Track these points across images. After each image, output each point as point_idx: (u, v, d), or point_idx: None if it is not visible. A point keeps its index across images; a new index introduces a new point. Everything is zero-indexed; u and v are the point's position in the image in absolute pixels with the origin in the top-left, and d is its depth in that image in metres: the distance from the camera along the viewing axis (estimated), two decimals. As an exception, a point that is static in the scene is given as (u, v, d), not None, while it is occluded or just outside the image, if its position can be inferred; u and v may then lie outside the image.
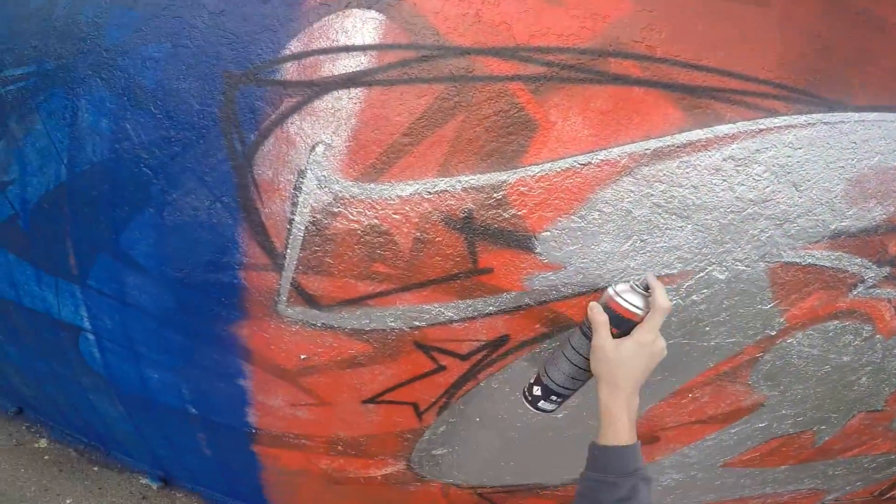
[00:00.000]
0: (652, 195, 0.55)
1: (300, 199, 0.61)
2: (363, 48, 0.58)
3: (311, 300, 0.66)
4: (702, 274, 0.59)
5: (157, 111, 0.63)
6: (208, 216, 0.65)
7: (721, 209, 0.56)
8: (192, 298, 0.71)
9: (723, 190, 0.55)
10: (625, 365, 0.48)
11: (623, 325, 0.50)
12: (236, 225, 0.64)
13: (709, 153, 0.54)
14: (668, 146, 0.53)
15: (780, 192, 0.56)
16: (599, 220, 0.56)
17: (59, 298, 0.82)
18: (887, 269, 0.66)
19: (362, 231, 0.61)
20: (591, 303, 0.53)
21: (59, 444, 1.19)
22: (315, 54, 0.59)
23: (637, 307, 0.49)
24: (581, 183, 0.55)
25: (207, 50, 0.61)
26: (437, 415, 0.74)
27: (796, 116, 0.54)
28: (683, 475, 0.94)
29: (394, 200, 0.59)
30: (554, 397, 0.57)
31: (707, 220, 0.56)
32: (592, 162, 0.54)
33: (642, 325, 0.49)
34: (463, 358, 0.67)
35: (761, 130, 0.54)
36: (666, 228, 0.56)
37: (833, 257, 0.61)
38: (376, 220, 0.60)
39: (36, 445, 1.18)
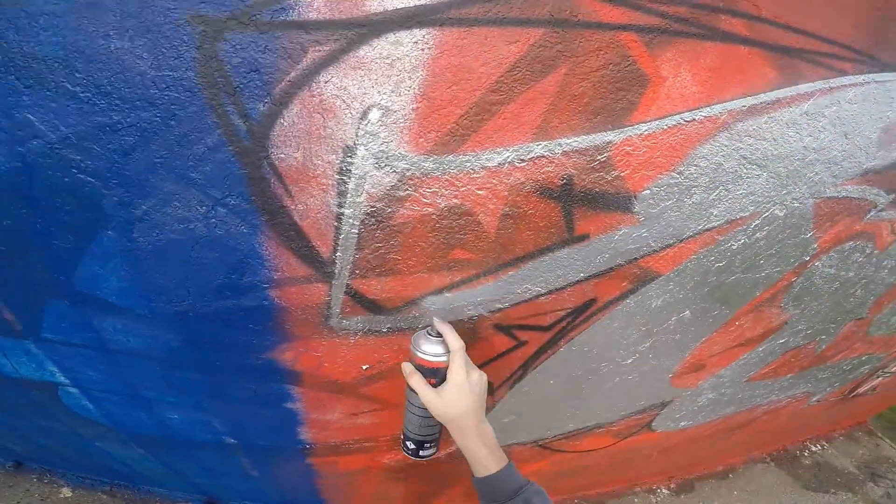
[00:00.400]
0: (741, 148, 0.74)
1: (350, 186, 0.60)
2: None
3: (373, 306, 0.71)
4: (766, 214, 0.83)
5: (79, 88, 0.54)
6: (208, 228, 0.61)
7: (790, 157, 0.79)
8: (207, 332, 0.70)
9: (795, 141, 0.77)
10: (456, 408, 0.67)
11: (435, 374, 0.68)
12: (255, 233, 0.61)
13: (790, 109, 0.74)
14: (762, 103, 0.72)
15: (834, 140, 0.80)
16: (695, 175, 0.73)
17: (9, 358, 0.80)
18: (894, 195, 1.01)
19: (438, 215, 0.65)
20: (402, 364, 0.69)
21: (84, 489, 1.36)
22: None
23: (437, 355, 0.68)
24: (683, 139, 0.70)
25: None
26: (509, 388, 0.92)
27: (858, 76, 0.77)
28: (716, 393, 1.38)
29: (479, 173, 0.63)
30: (427, 444, 0.77)
31: (779, 167, 0.79)
32: (696, 119, 0.69)
33: (451, 369, 0.67)
34: (545, 329, 0.85)
35: (832, 89, 0.75)
36: (747, 177, 0.77)
37: (860, 190, 0.91)
38: (457, 200, 0.64)
39: (60, 496, 1.34)
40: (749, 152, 0.76)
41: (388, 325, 0.74)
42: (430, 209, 0.64)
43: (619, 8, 0.62)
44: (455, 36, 0.57)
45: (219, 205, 0.60)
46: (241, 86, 0.55)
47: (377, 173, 0.60)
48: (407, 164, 0.61)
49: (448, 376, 0.69)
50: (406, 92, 0.57)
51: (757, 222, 0.85)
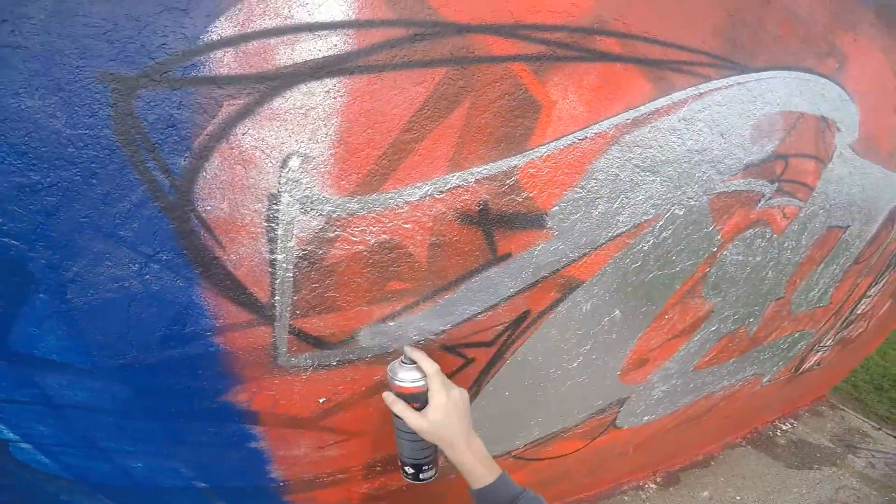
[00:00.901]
0: (633, 158, 0.88)
1: (280, 233, 0.66)
2: (334, 26, 0.62)
3: (318, 342, 0.77)
4: (668, 214, 0.99)
5: (-12, 148, 0.53)
6: (143, 284, 0.65)
7: (678, 161, 0.94)
8: (155, 382, 0.73)
9: (678, 146, 0.93)
10: (443, 427, 0.76)
11: (417, 399, 0.77)
12: (192, 285, 0.66)
13: (668, 117, 0.89)
14: (642, 115, 0.86)
15: (713, 141, 0.97)
16: (596, 187, 0.87)
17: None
18: (776, 184, 1.21)
19: (370, 251, 0.72)
20: (383, 394, 0.79)
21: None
22: (261, 37, 0.60)
23: (414, 381, 0.77)
24: (580, 156, 0.83)
25: (60, 46, 0.55)
26: (469, 404, 1.04)
27: (721, 80, 0.94)
28: (668, 385, 1.57)
29: (403, 208, 0.72)
30: (426, 467, 0.85)
31: (670, 171, 0.94)
32: (588, 136, 0.82)
33: (430, 392, 0.77)
34: (489, 344, 0.96)
35: (701, 94, 0.92)
36: (643, 184, 0.92)
37: (746, 183, 1.10)
38: (386, 236, 0.72)
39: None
40: (640, 161, 0.90)
41: (338, 359, 0.81)
42: (360, 247, 0.72)
43: (508, 40, 0.74)
44: (365, 82, 0.65)
45: (151, 261, 0.65)
46: (160, 142, 0.61)
47: (304, 218, 0.67)
48: (332, 206, 0.68)
49: (429, 398, 0.78)
50: (323, 139, 0.65)
51: (661, 223, 1.02)
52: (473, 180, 0.77)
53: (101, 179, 0.60)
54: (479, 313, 0.89)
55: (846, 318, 2.62)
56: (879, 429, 3.58)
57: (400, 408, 0.78)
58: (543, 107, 0.79)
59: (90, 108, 0.58)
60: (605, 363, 1.26)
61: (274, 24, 0.60)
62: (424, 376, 0.78)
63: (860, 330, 3.06)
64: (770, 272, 1.51)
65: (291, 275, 0.69)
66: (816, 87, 1.18)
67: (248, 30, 0.59)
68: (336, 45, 0.63)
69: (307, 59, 0.62)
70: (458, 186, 0.75)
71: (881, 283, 2.60)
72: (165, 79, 0.58)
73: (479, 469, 0.78)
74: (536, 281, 0.92)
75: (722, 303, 1.43)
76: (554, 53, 0.77)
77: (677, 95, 0.91)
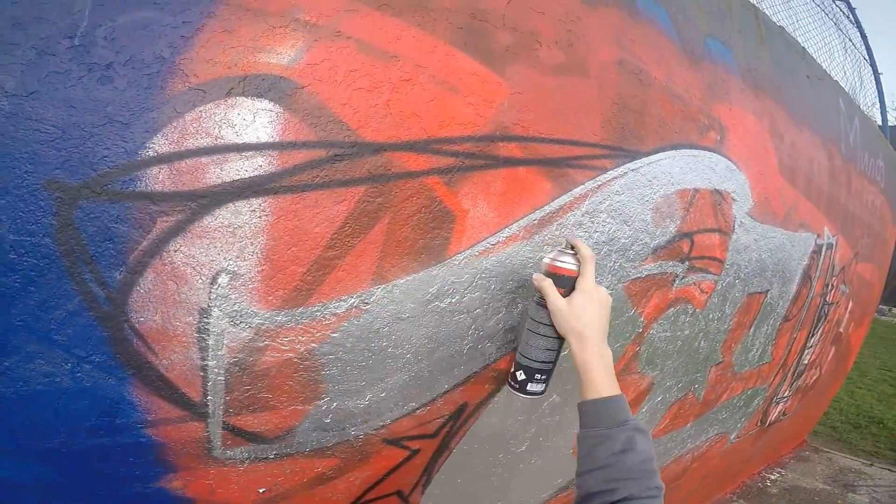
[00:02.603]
0: (542, 256, 1.14)
1: (210, 343, 0.83)
2: (260, 147, 0.80)
3: (254, 437, 0.93)
4: None
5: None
6: (75, 381, 0.79)
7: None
8: (83, 466, 0.85)
9: (586, 239, 1.26)
10: (583, 314, 0.95)
11: (565, 283, 1.02)
12: (123, 384, 0.81)
13: (573, 213, 1.22)
14: (547, 214, 1.17)
15: (618, 230, 1.33)
16: (514, 287, 1.15)
17: None
18: (687, 263, 1.63)
19: (300, 358, 0.91)
20: (533, 275, 1.05)
21: None
22: (193, 155, 0.77)
23: (572, 264, 1.02)
24: (494, 260, 1.11)
25: (12, 149, 0.69)
26: (422, 493, 1.24)
27: (616, 169, 1.31)
28: None
29: (329, 320, 0.91)
30: (538, 376, 1.06)
31: None
32: (500, 240, 1.11)
33: (581, 277, 1.00)
34: (432, 436, 1.18)
35: (600, 186, 1.27)
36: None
37: (657, 266, 1.48)
38: (315, 344, 0.92)
39: None
40: (549, 259, 1.20)
41: (275, 452, 0.97)
42: (290, 354, 0.91)
43: (422, 155, 0.99)
44: (289, 202, 0.85)
45: (84, 362, 0.79)
46: (98, 254, 0.76)
47: (234, 330, 0.84)
48: (260, 319, 0.86)
49: (578, 284, 1.00)
50: (250, 256, 0.84)
51: None
52: (399, 292, 1.00)
53: (38, 287, 0.75)
54: (417, 409, 1.11)
55: (795, 370, 3.28)
56: (871, 464, 4.37)
57: (548, 284, 1.00)
58: (457, 216, 1.07)
59: (35, 215, 0.73)
60: (554, 444, 1.55)
61: (205, 144, 0.79)
62: (579, 264, 1.01)
63: (815, 377, 3.81)
64: (702, 342, 1.93)
65: (223, 378, 0.86)
66: (705, 162, 1.63)
67: (182, 148, 0.78)
68: (261, 166, 0.82)
69: (235, 178, 0.81)
70: (383, 297, 0.98)
71: (818, 334, 3.24)
72: (105, 191, 0.75)
73: (601, 379, 0.92)
74: (469, 377, 1.18)
75: (661, 375, 1.83)
76: (463, 164, 1.06)
77: (578, 190, 1.26)
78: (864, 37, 3.89)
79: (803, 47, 2.37)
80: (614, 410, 0.91)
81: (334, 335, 0.93)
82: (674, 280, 1.62)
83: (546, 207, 1.21)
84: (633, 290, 1.49)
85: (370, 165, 0.92)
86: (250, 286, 0.85)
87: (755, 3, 2.09)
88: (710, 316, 1.93)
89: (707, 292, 1.83)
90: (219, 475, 0.94)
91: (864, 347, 5.24)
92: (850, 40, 3.60)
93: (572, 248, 1.07)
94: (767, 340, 2.60)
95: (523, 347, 1.10)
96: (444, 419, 1.19)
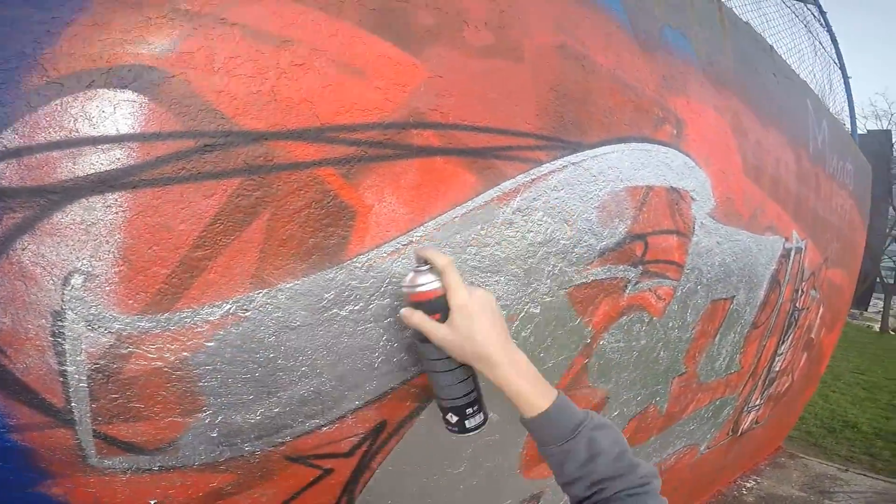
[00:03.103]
0: (468, 259, 1.05)
1: (67, 347, 0.76)
2: (118, 139, 0.74)
3: (132, 448, 0.84)
4: (522, 314, 1.17)
5: None
6: None
7: (521, 257, 1.13)
8: None
9: (518, 240, 1.12)
10: (474, 333, 0.83)
11: (436, 306, 0.87)
12: None
13: (501, 210, 1.08)
14: (470, 210, 1.03)
15: (557, 230, 1.19)
16: None
17: None
18: (640, 267, 1.49)
19: (171, 368, 0.82)
20: (400, 312, 0.91)
21: None
22: (44, 150, 0.72)
23: (431, 283, 0.87)
24: (406, 262, 0.96)
25: None
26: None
27: (554, 162, 1.17)
28: None
29: (202, 327, 0.82)
30: (469, 410, 0.95)
31: (513, 269, 1.12)
32: (413, 240, 0.97)
33: (450, 292, 0.85)
34: (347, 455, 1.05)
35: (534, 180, 1.13)
36: (485, 285, 1.08)
37: (605, 270, 1.34)
38: (187, 353, 0.82)
39: None
40: (477, 261, 1.09)
41: (159, 464, 0.88)
42: (159, 363, 0.82)
43: (314, 145, 0.88)
44: (150, 197, 0.77)
45: None
46: None
47: (92, 335, 0.78)
48: (121, 324, 0.79)
49: (449, 301, 0.87)
50: (106, 256, 0.77)
51: (517, 324, 1.20)
52: (284, 297, 0.88)
53: None
54: (322, 426, 1.00)
55: (766, 377, 3.19)
56: (846, 470, 4.32)
57: (419, 317, 0.88)
58: (358, 213, 0.94)
59: None
60: (497, 463, 1.42)
61: (59, 137, 0.73)
62: (439, 278, 0.88)
63: (787, 384, 3.74)
64: (662, 352, 1.80)
65: (86, 385, 0.79)
66: (659, 157, 1.49)
67: (33, 142, 0.72)
68: (119, 159, 0.75)
69: (89, 172, 0.74)
70: (267, 304, 0.87)
71: (788, 341, 3.16)
72: (-56, 187, 0.68)
73: (529, 392, 0.84)
74: (385, 393, 1.05)
75: (616, 388, 1.69)
76: (366, 154, 0.94)
77: (507, 185, 1.12)
78: (834, 41, 3.84)
79: (770, 45, 2.26)
80: (561, 420, 0.84)
81: (209, 344, 0.84)
82: (625, 286, 1.48)
83: (469, 203, 1.07)
84: (578, 297, 1.34)
85: (246, 156, 0.83)
86: (107, 288, 0.78)
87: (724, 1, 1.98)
88: (670, 324, 1.79)
89: (665, 299, 1.69)
90: (100, 484, 0.86)
91: (836, 351, 5.26)
92: (819, 43, 3.55)
93: (426, 262, 0.92)
94: (735, 349, 2.48)
95: (437, 390, 0.97)
96: (358, 438, 1.07)
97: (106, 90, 0.75)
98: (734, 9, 2.22)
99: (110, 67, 0.75)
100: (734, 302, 2.21)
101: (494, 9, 1.11)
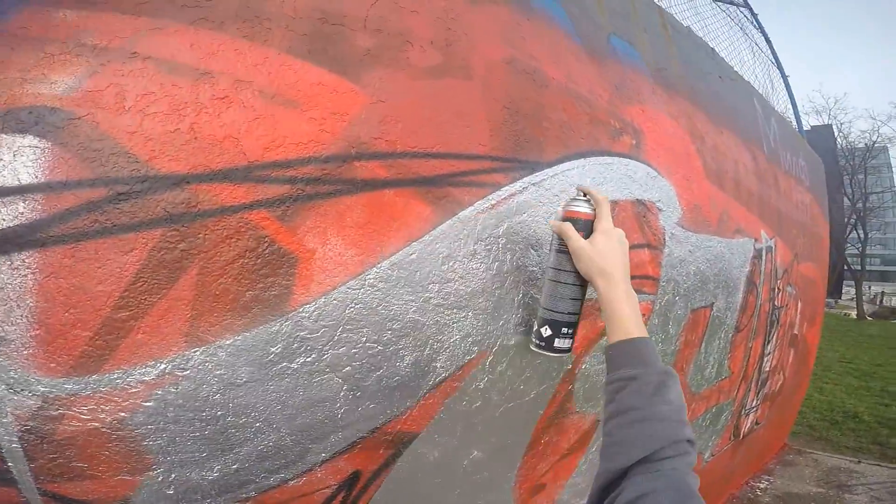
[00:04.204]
0: (430, 297, 0.96)
1: None
2: (20, 191, 0.68)
3: None
4: (496, 348, 1.08)
5: None
6: None
7: (489, 291, 1.05)
8: None
9: (483, 271, 1.03)
10: (607, 253, 0.92)
11: (583, 226, 0.97)
12: None
13: (462, 241, 1.00)
14: (429, 244, 0.94)
15: (525, 257, 1.10)
16: (394, 338, 0.92)
17: None
18: None
19: (109, 428, 0.76)
20: (549, 221, 1.02)
21: None
22: None
23: (587, 207, 0.98)
24: (360, 307, 0.88)
25: None
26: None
27: (513, 184, 1.09)
28: (585, 499, 1.64)
29: (137, 388, 0.75)
30: (565, 329, 1.00)
31: (481, 302, 1.04)
32: (367, 283, 0.88)
33: (598, 220, 0.96)
34: None
35: (494, 206, 1.05)
36: (453, 322, 1.00)
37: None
38: (125, 413, 0.76)
39: None
40: (441, 299, 1.00)
41: None
42: (95, 424, 0.76)
43: (241, 185, 0.80)
44: (61, 255, 0.71)
45: None
46: None
47: (16, 397, 0.73)
48: (45, 387, 0.73)
49: (596, 226, 0.97)
50: (19, 321, 0.71)
51: (491, 358, 1.11)
52: (224, 354, 0.81)
53: None
54: (288, 479, 0.93)
55: (758, 378, 3.15)
56: (859, 462, 4.25)
57: (567, 227, 0.97)
58: (300, 259, 0.84)
59: None
60: (489, 501, 1.33)
61: None
62: (594, 208, 0.98)
63: (780, 382, 3.71)
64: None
65: (19, 446, 0.75)
66: (621, 170, 1.43)
67: None
68: (23, 214, 0.70)
69: None
70: (206, 361, 0.80)
71: (774, 340, 3.13)
72: None
73: (629, 319, 0.88)
74: (354, 443, 0.97)
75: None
76: (302, 192, 0.84)
77: (466, 213, 1.03)
78: (768, 41, 3.95)
79: (712, 48, 2.26)
80: (645, 352, 0.86)
81: (148, 404, 0.79)
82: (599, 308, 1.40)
83: (426, 237, 0.97)
84: (553, 324, 1.25)
85: (166, 203, 0.75)
86: (25, 352, 0.73)
87: (659, 4, 1.98)
88: (653, 339, 1.69)
89: (644, 314, 1.60)
90: (60, 540, 0.77)
91: (822, 342, 5.29)
92: (756, 44, 3.63)
93: (584, 194, 1.02)
94: (722, 355, 2.42)
95: (546, 301, 1.02)
96: (332, 489, 0.99)
97: (3, 135, 0.70)
98: (674, 13, 2.22)
99: (7, 110, 0.70)
100: (714, 309, 2.15)
101: (439, 26, 1.06)
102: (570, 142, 1.28)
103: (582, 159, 1.31)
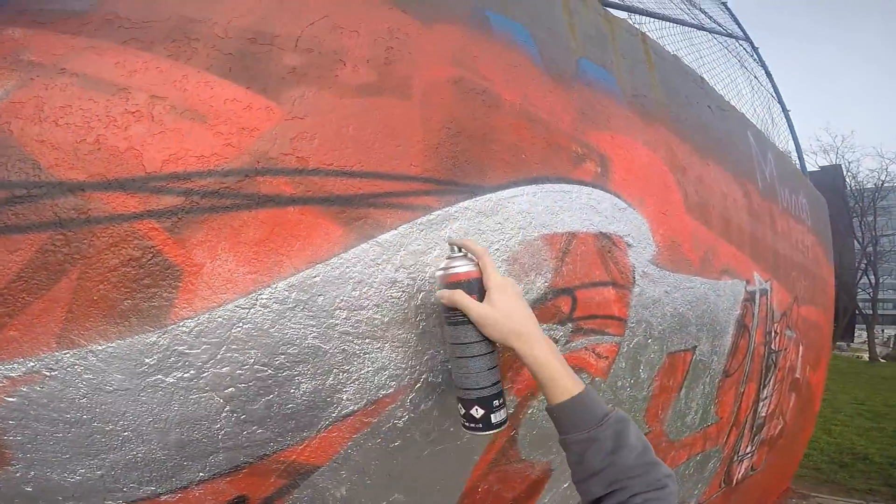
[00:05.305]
0: (336, 324, 0.90)
1: None
2: None
3: None
4: (419, 385, 1.02)
5: None
6: None
7: (411, 321, 0.99)
8: None
9: (405, 301, 0.98)
10: (512, 312, 0.87)
11: (473, 288, 0.91)
12: None
13: (379, 267, 0.94)
14: (336, 268, 0.90)
15: None
16: (288, 364, 0.86)
17: None
18: (570, 325, 1.32)
19: None
20: (437, 293, 0.93)
21: None
22: None
23: (467, 265, 0.92)
24: (249, 327, 0.83)
25: None
26: None
27: (447, 209, 1.04)
28: None
29: (2, 382, 0.75)
30: (496, 402, 0.94)
31: (401, 334, 0.98)
32: (259, 303, 0.84)
33: (486, 275, 0.90)
34: None
35: (422, 231, 0.99)
36: (366, 353, 0.94)
37: None
38: None
39: None
40: (350, 327, 0.94)
41: None
42: None
43: (135, 196, 0.80)
44: None
45: None
46: None
47: None
48: None
49: (486, 283, 0.91)
50: None
51: (412, 396, 1.04)
52: (95, 359, 0.80)
53: None
54: (160, 493, 0.89)
55: (752, 424, 3.01)
56: None
57: (459, 296, 0.90)
58: (185, 272, 0.81)
59: None
60: None
61: None
62: (474, 261, 0.93)
63: (779, 427, 3.56)
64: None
65: None
66: (582, 199, 1.36)
67: None
68: None
69: None
70: (75, 364, 0.80)
71: (770, 385, 3.00)
72: None
73: (564, 375, 0.84)
74: (238, 466, 0.91)
75: (559, 458, 1.49)
76: (196, 205, 0.82)
77: (387, 237, 0.98)
78: (769, 75, 3.87)
79: (702, 76, 2.20)
80: (591, 406, 0.84)
81: (10, 399, 0.79)
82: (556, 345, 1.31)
83: (333, 260, 0.92)
84: (494, 363, 1.16)
85: (58, 208, 0.77)
86: None
87: (655, 33, 1.93)
88: (619, 384, 1.60)
89: (608, 357, 1.52)
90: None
91: (832, 384, 5.11)
92: (755, 78, 3.56)
93: (460, 249, 0.97)
94: (708, 400, 2.30)
95: (463, 381, 0.95)
96: None
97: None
98: (668, 46, 2.17)
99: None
100: (696, 353, 2.05)
101: (379, 45, 1.04)
102: (520, 166, 1.23)
103: (534, 185, 1.25)
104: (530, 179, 1.24)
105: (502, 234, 1.16)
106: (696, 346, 2.02)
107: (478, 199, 1.12)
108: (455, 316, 0.93)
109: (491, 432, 0.96)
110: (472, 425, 0.96)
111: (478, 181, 1.13)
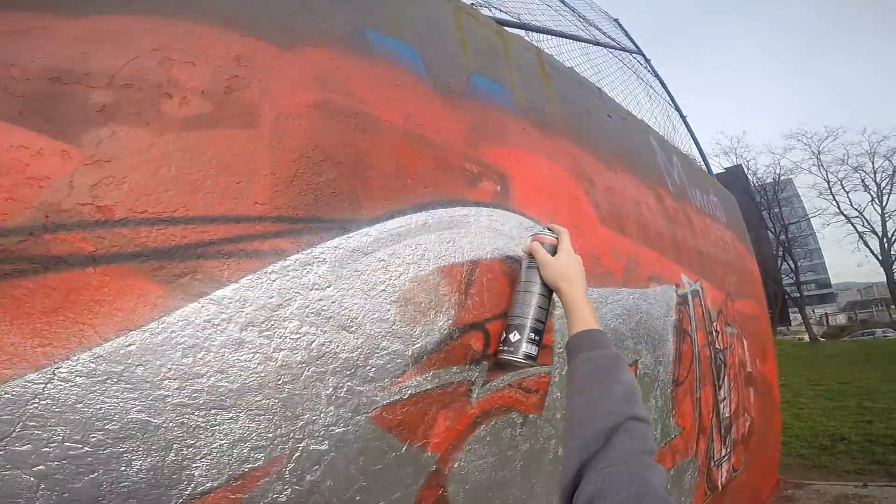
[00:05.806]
0: (166, 396, 0.73)
1: None
2: None
3: None
4: (299, 454, 0.85)
5: None
6: None
7: (271, 385, 0.82)
8: None
9: (260, 363, 0.81)
10: (568, 265, 1.12)
11: (549, 249, 1.16)
12: None
13: (217, 328, 0.78)
14: (157, 333, 0.73)
15: (332, 341, 0.89)
16: (109, 439, 0.70)
17: None
18: (485, 363, 1.15)
19: None
20: (521, 247, 1.25)
21: None
22: None
23: (551, 235, 1.18)
24: (48, 403, 0.66)
25: None
26: None
27: (308, 251, 0.89)
28: None
29: None
30: (532, 335, 1.13)
31: (259, 400, 0.81)
32: (56, 376, 0.67)
33: (561, 244, 1.16)
34: None
35: (275, 280, 0.84)
36: (218, 424, 0.77)
37: (430, 378, 1.03)
38: None
39: None
40: (185, 398, 0.77)
41: None
42: None
43: None
44: None
45: None
46: None
47: None
48: None
49: (559, 247, 1.18)
50: None
51: (292, 466, 0.86)
52: None
53: None
54: None
55: (719, 427, 2.94)
56: (865, 485, 3.97)
57: (535, 245, 1.18)
58: None
59: None
60: None
61: None
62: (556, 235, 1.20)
63: (748, 423, 3.50)
64: (560, 449, 1.44)
65: None
66: (482, 221, 1.23)
67: None
68: None
69: None
70: None
71: (726, 384, 2.98)
72: None
73: (589, 315, 1.02)
74: None
75: None
76: None
77: (223, 293, 0.82)
78: (664, 85, 4.00)
79: (598, 87, 2.16)
80: (601, 339, 0.97)
81: None
82: (470, 389, 1.16)
83: (152, 325, 0.74)
84: (392, 420, 1.00)
85: None
86: None
87: (554, 50, 1.86)
88: (557, 415, 1.44)
89: (538, 390, 1.37)
90: None
91: (785, 368, 5.11)
92: (651, 87, 3.65)
93: (548, 228, 1.21)
94: (664, 413, 2.18)
95: (516, 309, 1.16)
96: None
97: None
98: (566, 62, 2.12)
99: None
100: (639, 366, 1.93)
101: (220, 75, 0.91)
102: (403, 192, 1.09)
103: (423, 213, 1.11)
104: (418, 206, 1.11)
105: (387, 272, 1.00)
106: (637, 360, 1.91)
107: (351, 235, 0.96)
108: (530, 261, 1.18)
109: (517, 359, 1.13)
110: (505, 348, 1.14)
111: (350, 214, 0.98)
